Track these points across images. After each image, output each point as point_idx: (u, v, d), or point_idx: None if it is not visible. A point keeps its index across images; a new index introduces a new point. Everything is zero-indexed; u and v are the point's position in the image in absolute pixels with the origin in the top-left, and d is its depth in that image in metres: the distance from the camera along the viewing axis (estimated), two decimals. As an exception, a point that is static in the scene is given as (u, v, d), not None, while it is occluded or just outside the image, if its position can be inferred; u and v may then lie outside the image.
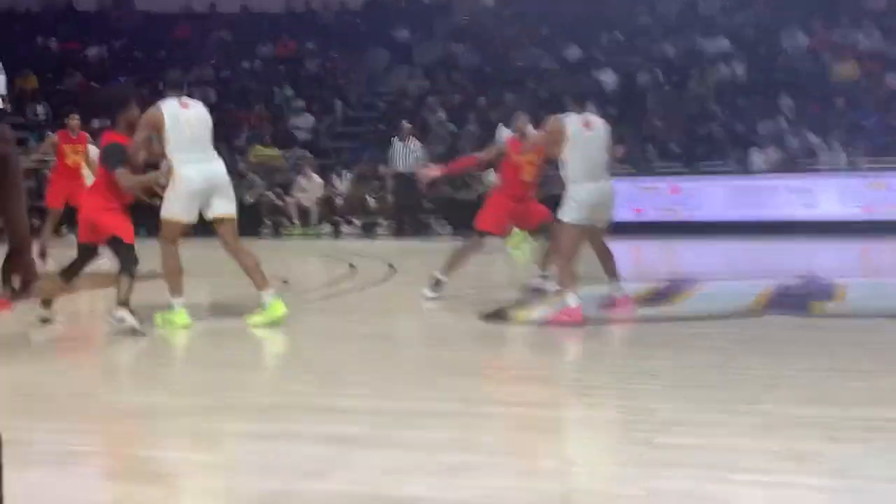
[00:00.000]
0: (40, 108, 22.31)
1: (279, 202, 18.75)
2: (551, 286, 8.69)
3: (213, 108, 24.38)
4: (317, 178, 18.67)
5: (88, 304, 9.54)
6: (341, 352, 6.68)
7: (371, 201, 18.51)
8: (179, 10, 26.58)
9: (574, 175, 7.55)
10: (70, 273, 7.65)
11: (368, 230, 18.15)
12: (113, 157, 7.25)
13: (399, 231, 17.40)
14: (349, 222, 18.44)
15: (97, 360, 6.82)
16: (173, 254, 7.53)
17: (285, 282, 9.77)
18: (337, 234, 18.16)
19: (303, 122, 22.28)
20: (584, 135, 7.63)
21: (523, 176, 9.02)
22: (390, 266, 11.94)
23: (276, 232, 18.37)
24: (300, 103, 22.83)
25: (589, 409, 4.95)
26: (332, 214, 18.51)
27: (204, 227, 7.74)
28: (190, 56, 25.38)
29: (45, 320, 7.65)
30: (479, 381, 5.70)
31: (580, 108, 7.87)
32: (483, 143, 16.20)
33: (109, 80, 24.39)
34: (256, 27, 26.31)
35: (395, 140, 16.97)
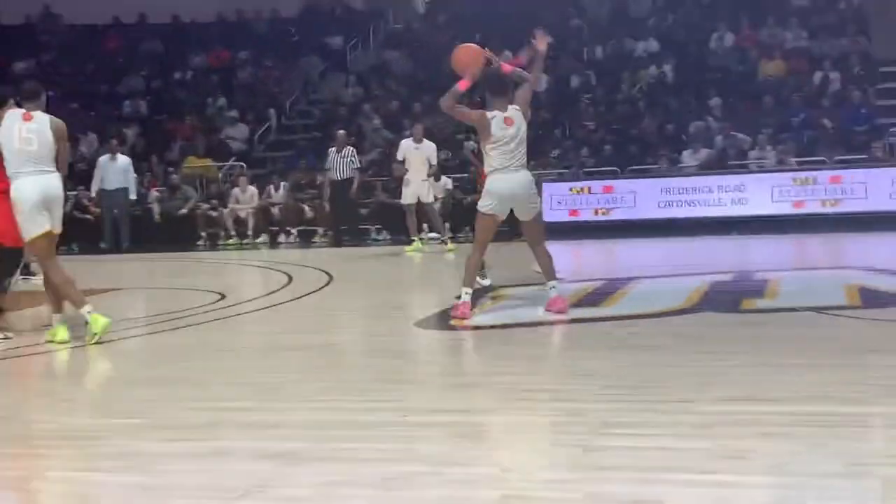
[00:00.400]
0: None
1: (214, 214, 18.55)
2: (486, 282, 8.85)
3: (144, 120, 24.39)
4: (252, 189, 18.51)
5: None
6: (279, 364, 6.61)
7: (307, 210, 18.39)
8: (109, 21, 26.21)
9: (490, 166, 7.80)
10: None
11: (305, 239, 18.04)
12: None
13: (336, 239, 17.32)
14: (286, 232, 18.31)
15: (18, 379, 6.67)
16: (55, 267, 7.52)
17: (222, 296, 9.65)
18: (274, 244, 18.02)
19: (237, 133, 22.09)
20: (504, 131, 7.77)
21: None
22: (328, 274, 11.88)
23: (213, 244, 18.18)
24: (234, 113, 22.64)
25: (525, 413, 4.94)
26: (268, 225, 18.37)
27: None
28: (120, 67, 25.07)
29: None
30: (416, 390, 5.68)
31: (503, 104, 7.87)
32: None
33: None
34: (188, 37, 26.07)
35: (331, 149, 16.90)
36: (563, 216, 17.14)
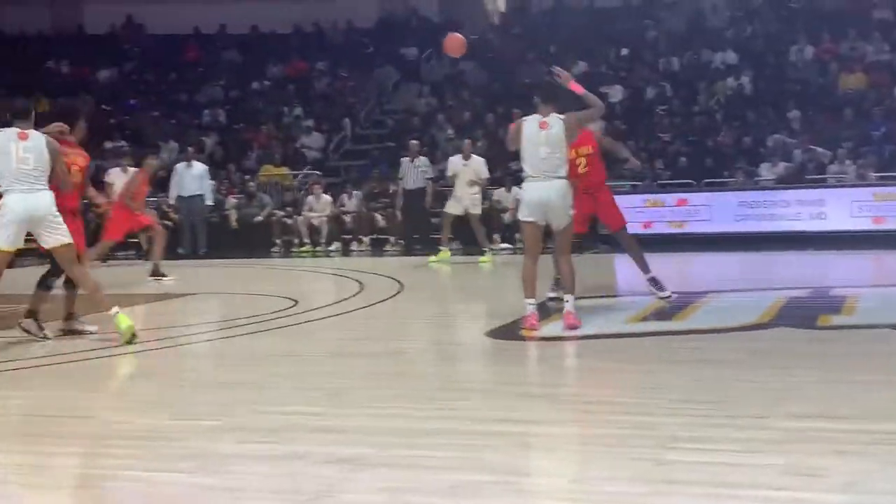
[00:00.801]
0: (51, 131, 22.43)
1: (289, 221, 18.78)
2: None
3: (222, 129, 24.75)
4: (326, 197, 18.70)
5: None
6: (349, 370, 6.67)
7: (380, 219, 18.52)
8: (189, 31, 26.72)
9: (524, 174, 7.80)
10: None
11: (377, 248, 18.16)
12: None
13: (408, 248, 17.41)
14: (358, 240, 18.45)
15: (99, 381, 6.83)
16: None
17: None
18: (346, 251, 18.18)
19: (312, 142, 22.35)
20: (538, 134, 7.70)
21: None
22: (399, 283, 11.95)
23: (287, 251, 18.40)
24: (309, 123, 22.91)
25: (594, 425, 4.93)
26: (341, 233, 18.53)
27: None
28: (200, 77, 25.54)
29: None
30: (484, 399, 5.69)
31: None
32: (491, 161, 16.27)
33: (120, 103, 24.59)
34: (266, 47, 26.44)
35: (404, 158, 17.03)
36: (636, 228, 16.96)
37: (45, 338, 8.16)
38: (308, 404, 5.56)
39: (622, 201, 17.18)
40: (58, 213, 7.77)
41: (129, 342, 7.64)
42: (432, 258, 14.98)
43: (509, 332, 7.89)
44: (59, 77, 25.45)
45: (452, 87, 23.43)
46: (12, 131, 7.71)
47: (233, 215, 18.89)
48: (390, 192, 18.56)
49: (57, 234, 7.74)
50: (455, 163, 15.44)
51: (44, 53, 26.08)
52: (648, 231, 17.02)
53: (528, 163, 7.74)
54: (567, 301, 7.81)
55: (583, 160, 9.23)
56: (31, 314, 8.22)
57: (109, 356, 7.64)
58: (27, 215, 7.59)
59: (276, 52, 26.21)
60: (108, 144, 21.84)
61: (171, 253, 17.51)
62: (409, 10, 27.17)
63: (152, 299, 11.18)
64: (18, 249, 7.94)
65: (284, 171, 20.81)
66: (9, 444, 5.09)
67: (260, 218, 18.79)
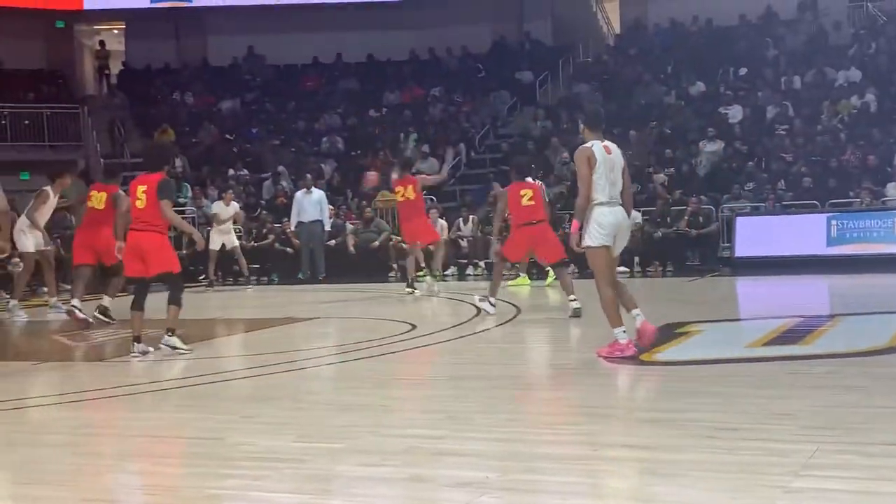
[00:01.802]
0: (178, 161, 23.21)
1: (406, 246, 18.96)
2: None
3: (340, 156, 25.12)
4: (442, 222, 18.83)
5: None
6: (468, 394, 6.69)
7: (496, 243, 18.55)
8: (308, 61, 27.35)
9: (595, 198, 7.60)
10: None
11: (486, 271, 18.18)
12: None
13: (526, 272, 17.36)
14: (474, 265, 18.51)
15: (225, 403, 7.00)
16: None
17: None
18: (462, 276, 18.25)
19: (428, 167, 22.56)
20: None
21: None
22: (515, 307, 11.94)
23: (404, 275, 18.56)
24: (425, 148, 23.15)
25: (719, 452, 4.83)
26: (457, 257, 18.62)
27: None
28: (318, 105, 26.10)
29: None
30: (604, 424, 5.64)
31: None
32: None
33: (241, 132, 25.29)
34: (382, 75, 26.88)
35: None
36: (758, 251, 16.65)
37: (189, 350, 8.81)
38: (429, 427, 5.60)
39: (743, 223, 17.03)
40: None
41: None
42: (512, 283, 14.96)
43: (627, 358, 7.79)
44: (185, 108, 26.31)
45: (567, 110, 23.39)
46: None
47: (350, 240, 19.18)
48: (506, 216, 18.57)
49: None
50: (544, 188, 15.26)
51: (170, 85, 27.02)
52: (770, 254, 16.62)
53: (601, 188, 7.57)
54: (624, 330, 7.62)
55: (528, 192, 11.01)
56: (171, 331, 8.79)
57: (234, 379, 7.84)
58: None
59: (392, 79, 26.62)
60: (231, 172, 22.47)
61: (291, 278, 17.89)
62: (522, 35, 27.29)
63: (276, 323, 11.43)
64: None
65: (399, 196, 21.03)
66: (139, 465, 5.27)
67: (377, 243, 19.02)
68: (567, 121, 22.91)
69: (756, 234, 17.01)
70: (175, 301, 8.79)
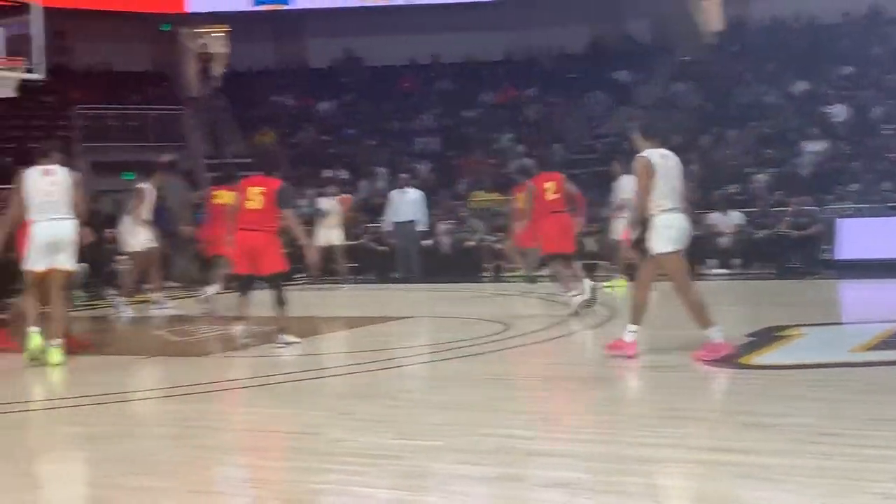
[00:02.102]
0: (277, 161, 23.64)
1: (500, 246, 19.00)
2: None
3: (435, 156, 25.13)
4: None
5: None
6: (562, 394, 6.71)
7: (590, 244, 18.45)
8: (404, 62, 27.57)
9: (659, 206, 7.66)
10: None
11: (588, 273, 18.07)
12: None
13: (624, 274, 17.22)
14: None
15: (324, 399, 7.13)
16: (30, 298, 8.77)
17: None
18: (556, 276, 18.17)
19: (523, 167, 22.54)
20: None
21: None
22: (609, 308, 11.87)
23: (498, 275, 18.60)
24: (520, 149, 23.13)
25: (820, 457, 4.75)
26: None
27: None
28: (414, 106, 26.29)
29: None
30: (701, 427, 5.59)
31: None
32: (705, 183, 15.94)
33: (338, 133, 25.63)
34: (478, 75, 26.94)
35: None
36: (861, 253, 16.21)
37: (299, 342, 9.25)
38: (524, 428, 5.62)
39: (847, 226, 16.59)
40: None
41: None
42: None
43: (725, 358, 7.71)
44: (284, 109, 26.77)
45: (665, 110, 23.13)
46: (38, 169, 8.85)
47: (445, 240, 19.28)
48: (602, 216, 18.48)
49: (68, 260, 8.73)
50: (621, 184, 14.98)
51: (270, 87, 27.52)
52: (876, 256, 16.16)
53: (664, 195, 7.63)
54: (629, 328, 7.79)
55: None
56: (283, 330, 9.22)
57: (332, 376, 7.99)
58: (51, 240, 8.62)
59: (487, 79, 26.66)
60: (328, 173, 22.78)
61: (387, 277, 18.07)
62: (620, 34, 27.07)
63: (372, 322, 11.57)
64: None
65: (496, 196, 21.09)
66: (242, 458, 5.42)
67: (471, 243, 19.09)
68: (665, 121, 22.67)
69: (860, 236, 16.57)
70: (284, 300, 9.24)
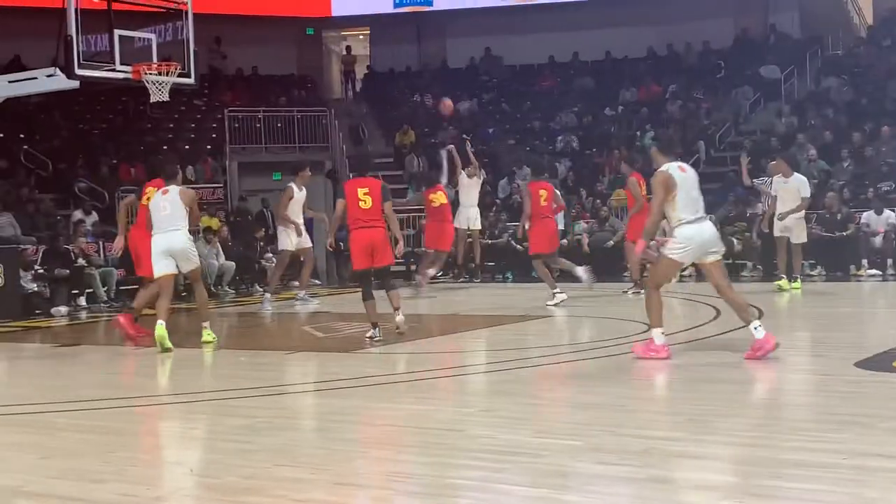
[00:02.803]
0: (417, 161, 23.89)
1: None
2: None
3: (575, 154, 24.97)
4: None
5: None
6: (709, 396, 6.55)
7: (736, 243, 18.00)
8: (544, 60, 27.47)
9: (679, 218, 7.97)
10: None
11: (734, 273, 17.64)
12: None
13: (767, 274, 16.76)
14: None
15: (463, 396, 7.16)
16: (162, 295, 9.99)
17: None
18: (700, 277, 17.79)
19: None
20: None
21: None
22: (758, 309, 11.53)
23: (640, 275, 18.31)
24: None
25: None
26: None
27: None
28: (553, 104, 26.17)
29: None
30: (857, 432, 5.37)
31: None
32: (858, 180, 15.33)
33: (478, 132, 25.73)
34: (619, 72, 26.63)
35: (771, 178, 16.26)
36: None
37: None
38: (668, 429, 5.52)
39: None
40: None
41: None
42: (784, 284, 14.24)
43: (881, 363, 7.40)
44: (424, 109, 27.03)
45: (815, 105, 22.38)
46: (156, 187, 10.40)
47: (585, 240, 19.12)
48: (747, 215, 18.00)
49: (186, 264, 10.04)
50: (777, 182, 14.48)
51: (411, 87, 27.84)
52: None
53: (684, 207, 7.86)
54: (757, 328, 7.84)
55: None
56: (374, 325, 9.73)
57: (472, 373, 8.01)
58: (167, 248, 9.92)
59: (628, 76, 26.31)
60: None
61: (527, 276, 18.02)
62: (767, 28, 26.33)
63: (511, 321, 11.57)
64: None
65: (637, 194, 20.79)
66: (384, 452, 5.49)
67: (611, 242, 18.87)
68: (815, 116, 21.93)
69: None
70: (394, 286, 10.19)
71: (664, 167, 7.97)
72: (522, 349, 9.23)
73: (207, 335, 10.09)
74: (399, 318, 9.92)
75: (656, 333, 7.97)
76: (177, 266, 10.03)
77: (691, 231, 7.89)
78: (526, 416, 6.12)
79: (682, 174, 7.95)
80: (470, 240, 17.37)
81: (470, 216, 17.11)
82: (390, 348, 9.29)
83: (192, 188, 12.38)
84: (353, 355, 9.20)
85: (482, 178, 17.90)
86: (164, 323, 9.65)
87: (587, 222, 19.75)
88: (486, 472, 4.81)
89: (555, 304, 12.57)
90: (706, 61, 26.01)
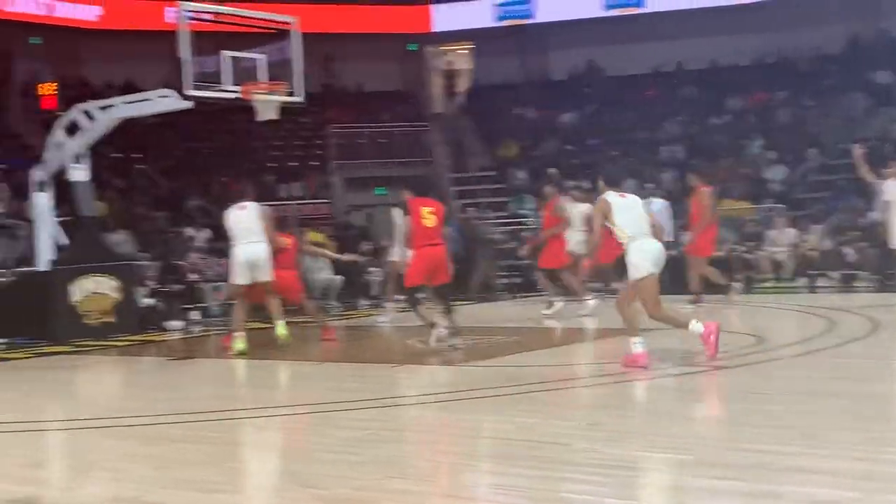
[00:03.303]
0: (520, 174, 23.89)
1: (749, 256, 18.36)
2: None
3: (680, 165, 24.60)
4: (790, 231, 18.06)
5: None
6: (822, 410, 6.39)
7: (850, 253, 17.51)
8: (647, 71, 27.20)
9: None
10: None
11: (847, 284, 17.17)
12: None
13: (884, 285, 16.24)
14: (825, 276, 17.56)
15: (571, 410, 7.12)
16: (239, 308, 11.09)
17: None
18: (812, 288, 17.37)
19: (775, 174, 21.72)
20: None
21: None
22: (872, 321, 11.21)
23: (748, 286, 17.97)
24: (771, 155, 22.28)
25: None
26: (806, 268, 17.76)
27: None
28: (658, 114, 25.89)
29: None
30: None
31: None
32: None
33: (581, 144, 25.60)
34: (724, 81, 26.21)
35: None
36: None
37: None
38: (780, 443, 5.39)
39: None
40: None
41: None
42: None
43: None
44: (526, 122, 27.03)
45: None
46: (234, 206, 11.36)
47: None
48: (859, 224, 17.50)
49: (264, 275, 10.89)
50: (890, 188, 13.97)
51: (513, 100, 27.86)
52: None
53: (633, 226, 8.44)
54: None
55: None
56: (433, 325, 10.27)
57: (579, 387, 7.97)
58: (248, 259, 10.87)
59: (735, 84, 25.87)
60: (570, 184, 22.77)
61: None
62: (879, 33, 25.59)
63: (618, 334, 11.45)
64: None
65: (745, 204, 20.41)
66: (492, 465, 5.50)
67: (720, 253, 18.54)
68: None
69: None
70: (451, 307, 10.53)
71: (604, 195, 8.69)
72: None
73: (281, 328, 11.01)
74: (440, 331, 10.29)
75: (635, 343, 8.40)
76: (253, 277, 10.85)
77: (642, 245, 8.45)
78: (633, 430, 6.06)
79: (620, 199, 8.64)
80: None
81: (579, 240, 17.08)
82: (493, 361, 9.30)
83: (299, 204, 12.90)
84: (458, 368, 9.24)
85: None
86: (244, 334, 10.75)
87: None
88: (593, 485, 4.78)
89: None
90: (816, 67, 25.41)
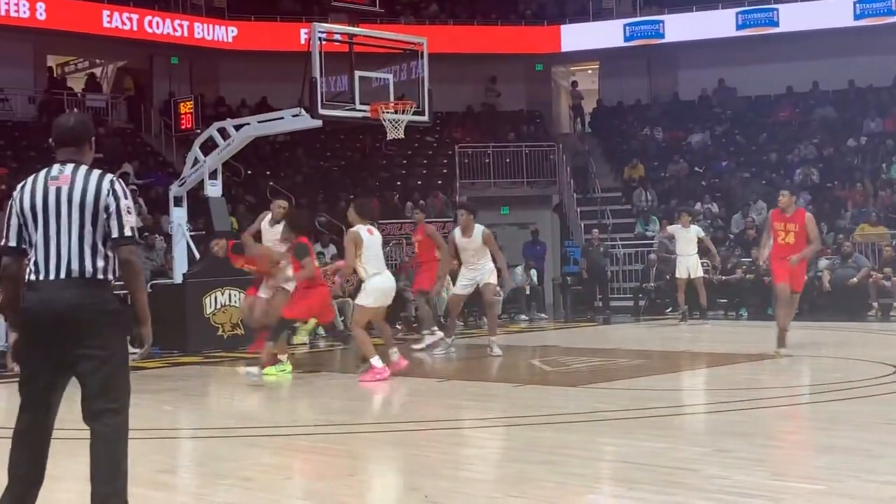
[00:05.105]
0: (646, 195, 23.59)
1: (888, 283, 17.69)
2: None
3: (815, 188, 24.00)
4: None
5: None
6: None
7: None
8: (781, 91, 26.57)
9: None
10: None
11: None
12: None
13: None
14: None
15: (698, 435, 6.97)
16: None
17: None
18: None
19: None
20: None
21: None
22: None
23: (886, 314, 17.32)
24: (908, 180, 21.47)
25: None
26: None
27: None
28: (791, 136, 25.24)
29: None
30: None
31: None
32: None
33: (711, 165, 25.14)
34: (862, 102, 25.41)
35: None
36: None
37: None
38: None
39: None
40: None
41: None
42: None
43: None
44: (654, 142, 26.69)
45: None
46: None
47: (826, 276, 18.27)
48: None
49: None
50: None
51: (641, 121, 27.56)
52: None
53: (372, 262, 9.86)
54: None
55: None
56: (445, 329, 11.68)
57: (707, 412, 7.80)
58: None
59: (873, 106, 25.05)
60: (697, 206, 22.39)
61: (761, 314, 17.38)
62: None
63: (745, 359, 11.19)
64: None
65: (883, 230, 19.71)
66: (616, 488, 5.42)
67: (855, 280, 17.94)
68: None
69: None
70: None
71: (356, 227, 9.79)
72: (758, 389, 8.90)
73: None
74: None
75: (374, 361, 9.63)
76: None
77: (379, 281, 9.80)
78: (763, 457, 5.90)
79: (369, 236, 9.82)
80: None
81: (690, 265, 16.82)
82: (615, 384, 9.19)
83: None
84: (580, 389, 9.16)
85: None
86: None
87: (829, 259, 18.86)
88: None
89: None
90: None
